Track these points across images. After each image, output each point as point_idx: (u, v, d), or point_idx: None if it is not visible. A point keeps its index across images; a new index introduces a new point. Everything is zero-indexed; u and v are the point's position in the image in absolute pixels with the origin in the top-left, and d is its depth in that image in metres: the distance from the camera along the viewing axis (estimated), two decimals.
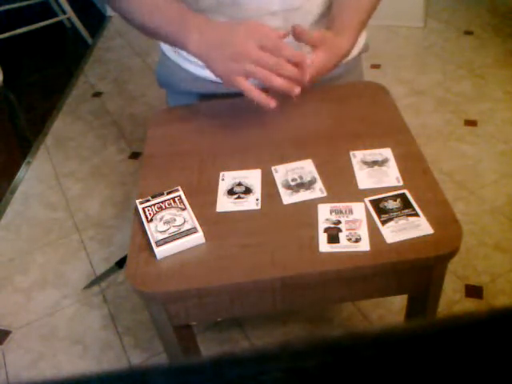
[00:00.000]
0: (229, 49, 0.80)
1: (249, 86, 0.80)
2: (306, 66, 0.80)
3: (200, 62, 0.87)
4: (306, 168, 0.87)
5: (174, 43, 0.89)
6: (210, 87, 1.04)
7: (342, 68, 1.07)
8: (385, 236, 0.73)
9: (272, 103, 0.80)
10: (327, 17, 0.96)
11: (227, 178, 0.87)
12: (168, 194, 0.83)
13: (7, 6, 2.81)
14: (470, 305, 1.33)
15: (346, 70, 1.08)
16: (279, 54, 0.78)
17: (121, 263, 1.51)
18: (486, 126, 1.90)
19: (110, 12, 2.94)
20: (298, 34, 0.82)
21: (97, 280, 1.48)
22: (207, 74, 1.02)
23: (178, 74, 1.09)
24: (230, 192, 0.84)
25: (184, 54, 1.04)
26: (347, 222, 0.76)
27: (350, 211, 0.78)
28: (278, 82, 0.78)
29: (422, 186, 0.81)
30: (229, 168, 0.88)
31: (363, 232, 0.74)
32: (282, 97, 0.81)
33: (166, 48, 1.10)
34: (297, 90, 0.79)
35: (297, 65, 0.79)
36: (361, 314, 1.33)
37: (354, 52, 1.10)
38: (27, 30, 2.61)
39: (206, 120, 1.00)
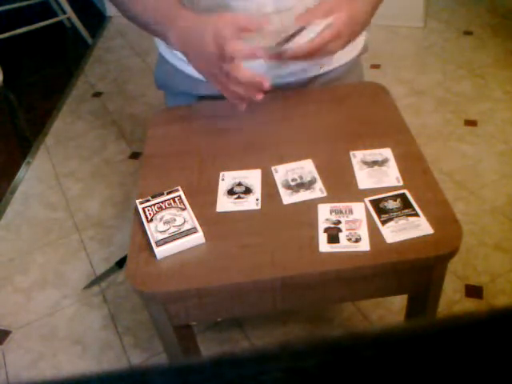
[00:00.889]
0: (202, 51, 0.81)
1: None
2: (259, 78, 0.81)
3: None
4: (306, 168, 0.87)
5: (159, 38, 0.93)
6: (207, 88, 1.04)
7: (342, 69, 1.08)
8: (385, 236, 0.73)
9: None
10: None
11: (227, 178, 0.87)
12: (168, 194, 0.83)
13: (7, 6, 2.81)
14: (470, 305, 1.33)
15: (346, 70, 1.08)
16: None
17: (121, 263, 1.51)
18: (485, 126, 1.90)
19: (110, 12, 2.94)
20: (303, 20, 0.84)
21: (97, 280, 1.48)
22: None
23: (175, 76, 1.09)
24: (230, 192, 0.84)
25: (180, 55, 1.04)
26: (347, 221, 0.76)
27: (350, 211, 0.78)
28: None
29: (421, 186, 0.81)
30: (229, 168, 0.88)
31: (363, 232, 0.74)
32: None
33: (164, 50, 1.10)
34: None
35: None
36: (361, 313, 1.33)
37: (354, 53, 1.10)
38: (27, 30, 2.61)
39: (205, 120, 1.00)
